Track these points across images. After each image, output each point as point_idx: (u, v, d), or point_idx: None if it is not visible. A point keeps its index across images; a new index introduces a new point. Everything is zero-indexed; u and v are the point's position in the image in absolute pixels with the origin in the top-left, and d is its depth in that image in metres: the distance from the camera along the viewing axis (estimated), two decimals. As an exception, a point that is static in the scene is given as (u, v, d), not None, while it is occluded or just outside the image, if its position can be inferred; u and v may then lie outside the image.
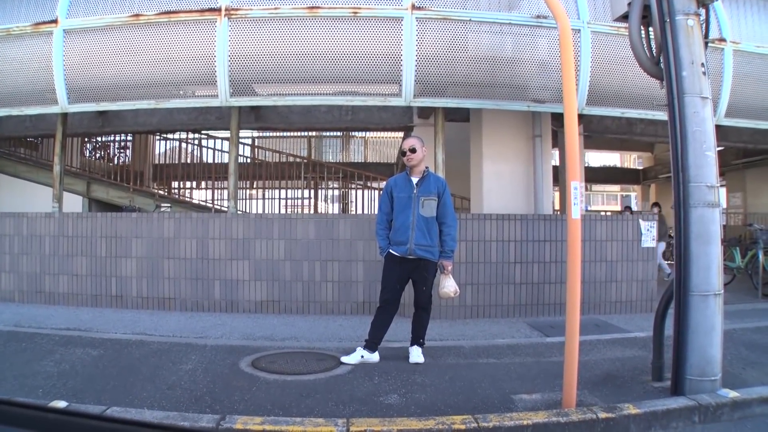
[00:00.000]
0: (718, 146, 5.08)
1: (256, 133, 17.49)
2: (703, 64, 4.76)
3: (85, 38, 7.69)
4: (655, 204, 14.76)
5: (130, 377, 4.97)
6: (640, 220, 8.51)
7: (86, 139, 13.76)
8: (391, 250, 5.58)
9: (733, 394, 4.53)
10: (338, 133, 19.29)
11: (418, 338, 5.73)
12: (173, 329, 7.03)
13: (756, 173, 16.41)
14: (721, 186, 16.45)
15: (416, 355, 5.64)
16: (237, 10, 7.34)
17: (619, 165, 29.25)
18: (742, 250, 11.70)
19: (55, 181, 8.86)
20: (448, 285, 5.59)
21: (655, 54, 5.10)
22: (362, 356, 5.56)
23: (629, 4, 5.10)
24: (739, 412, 4.48)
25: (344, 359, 5.56)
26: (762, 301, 9.85)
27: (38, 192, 11.63)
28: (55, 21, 7.62)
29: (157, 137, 14.46)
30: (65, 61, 7.66)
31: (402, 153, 5.75)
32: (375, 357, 5.60)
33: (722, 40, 8.05)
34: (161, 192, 12.95)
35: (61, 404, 4.05)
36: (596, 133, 10.31)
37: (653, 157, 22.09)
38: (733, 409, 4.47)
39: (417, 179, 5.62)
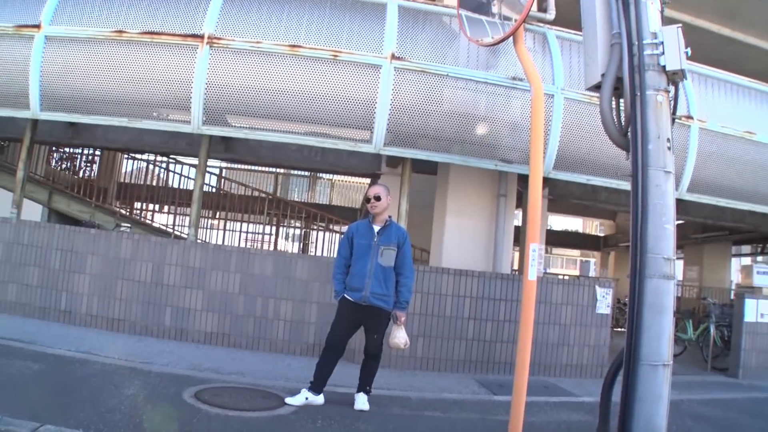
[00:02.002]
0: (679, 219, 5.17)
1: (224, 164, 17.44)
2: (668, 139, 4.87)
3: (65, 47, 7.61)
4: None
5: (68, 396, 4.87)
6: (597, 286, 8.61)
7: (54, 149, 13.58)
8: (345, 295, 5.58)
9: (677, 463, 4.57)
10: (306, 173, 19.30)
11: (365, 385, 5.71)
12: (120, 351, 6.85)
13: (713, 249, 16.79)
14: (679, 258, 16.84)
15: (362, 402, 5.61)
16: (219, 39, 7.38)
17: (581, 230, 29.68)
18: (695, 323, 11.92)
19: (17, 186, 8.72)
20: (399, 336, 5.58)
21: (623, 125, 5.21)
22: (306, 398, 5.52)
23: (603, 75, 5.20)
24: (680, 482, 4.52)
25: (288, 400, 5.51)
26: (711, 374, 10.02)
27: (-2, 195, 11.40)
28: (38, 26, 7.55)
29: (126, 156, 14.31)
30: (43, 68, 7.58)
31: (366, 200, 5.77)
32: (320, 399, 5.56)
33: (690, 117, 8.28)
34: (123, 211, 12.78)
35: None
36: (561, 197, 10.46)
37: (614, 225, 22.48)
38: (675, 478, 4.50)
39: (379, 227, 5.65)
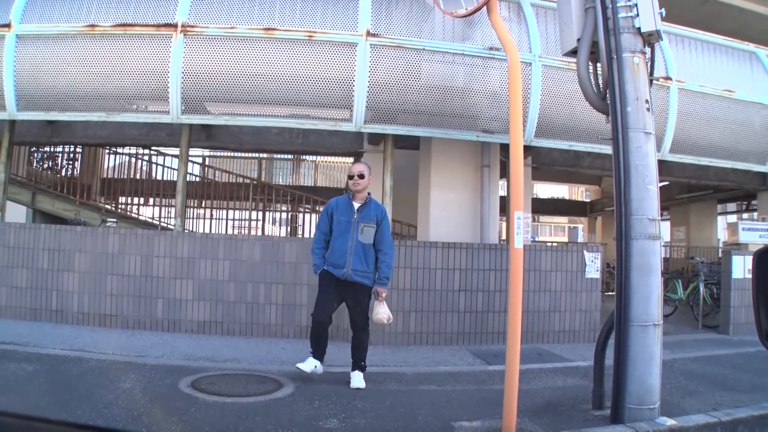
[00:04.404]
0: (663, 181, 5.19)
1: (207, 152, 17.33)
2: (647, 100, 4.89)
3: (38, 45, 7.52)
4: None
5: (65, 394, 4.84)
6: (585, 252, 8.66)
7: (34, 149, 13.45)
8: (326, 268, 5.66)
9: (670, 422, 4.61)
10: (289, 156, 19.22)
11: (358, 362, 5.73)
12: (113, 347, 6.84)
13: (699, 208, 16.91)
14: (666, 220, 16.93)
15: (357, 380, 5.63)
16: (193, 27, 7.31)
17: (567, 197, 29.80)
18: (684, 283, 12.01)
19: (-1, 189, 8.63)
20: (381, 312, 5.65)
21: (601, 89, 5.21)
22: (315, 366, 5.60)
23: (578, 40, 5.19)
24: (676, 440, 4.55)
25: (300, 366, 5.58)
26: (702, 332, 10.12)
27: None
28: (8, 25, 7.43)
29: (107, 151, 14.20)
30: (16, 67, 7.48)
31: (350, 176, 5.79)
32: (320, 369, 5.69)
33: (668, 78, 8.31)
34: (108, 206, 12.70)
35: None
36: (545, 165, 10.48)
37: (600, 190, 22.56)
38: (671, 436, 4.54)
39: (359, 205, 5.69)
